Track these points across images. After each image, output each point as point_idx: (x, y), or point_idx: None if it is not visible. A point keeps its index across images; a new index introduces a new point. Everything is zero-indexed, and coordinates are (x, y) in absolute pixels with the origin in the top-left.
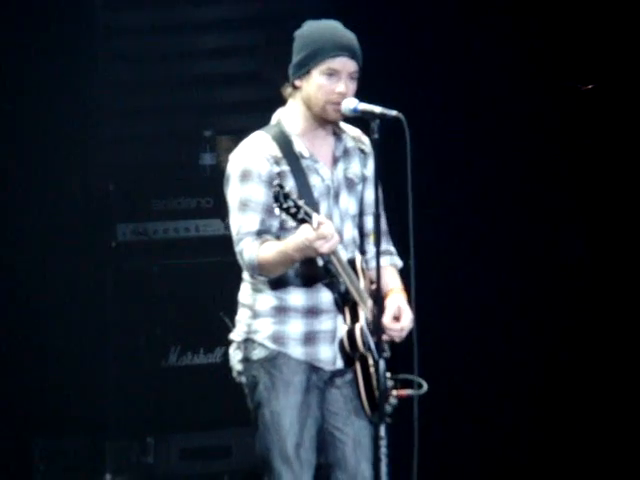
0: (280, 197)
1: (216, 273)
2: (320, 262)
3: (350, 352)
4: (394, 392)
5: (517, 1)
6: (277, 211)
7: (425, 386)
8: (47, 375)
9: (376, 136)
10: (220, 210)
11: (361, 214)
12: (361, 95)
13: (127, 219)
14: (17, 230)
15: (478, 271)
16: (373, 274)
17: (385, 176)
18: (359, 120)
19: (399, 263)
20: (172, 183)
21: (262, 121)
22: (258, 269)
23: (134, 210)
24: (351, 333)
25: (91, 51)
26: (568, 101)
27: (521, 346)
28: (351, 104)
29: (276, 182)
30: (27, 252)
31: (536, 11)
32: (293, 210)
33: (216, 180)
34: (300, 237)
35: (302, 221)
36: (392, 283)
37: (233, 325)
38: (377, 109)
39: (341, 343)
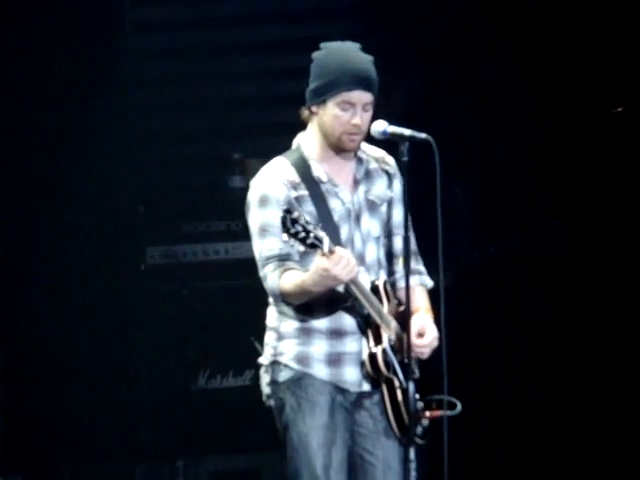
0: (287, 222)
1: (245, 296)
2: (341, 287)
3: (374, 375)
4: (427, 413)
5: (544, 23)
6: (285, 237)
7: (459, 406)
8: (79, 397)
9: (405, 159)
10: (249, 233)
11: (389, 235)
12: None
13: (156, 242)
14: (47, 253)
15: (508, 291)
16: (402, 294)
17: (414, 197)
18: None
19: (429, 283)
20: (202, 206)
21: (291, 144)
22: (280, 298)
23: (163, 233)
24: (373, 356)
25: (122, 74)
26: (596, 124)
27: (551, 364)
28: (380, 127)
29: (284, 207)
30: (57, 275)
31: (563, 34)
32: (302, 235)
33: (245, 203)
34: (317, 270)
35: (312, 246)
36: (419, 302)
37: (262, 349)
38: (406, 132)
39: (364, 366)
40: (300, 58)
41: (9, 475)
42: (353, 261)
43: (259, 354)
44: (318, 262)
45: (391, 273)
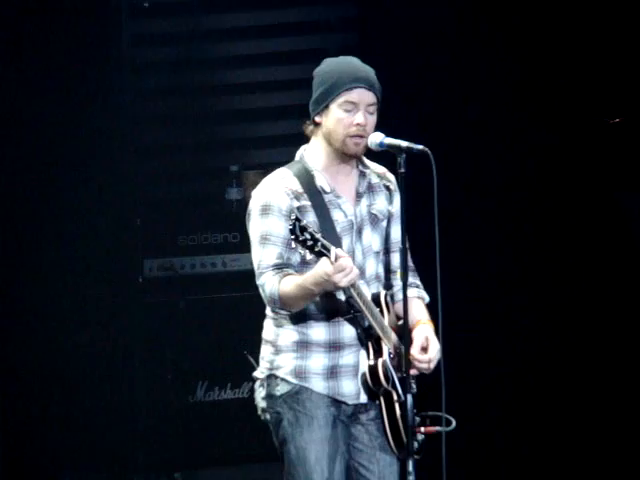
0: (296, 230)
1: (243, 308)
2: (342, 297)
3: (373, 388)
4: (422, 429)
5: (544, 32)
6: (293, 244)
7: (454, 423)
8: (76, 409)
9: (402, 170)
10: (247, 245)
11: (387, 251)
12: (386, 129)
13: (154, 254)
14: (45, 265)
15: (507, 304)
16: (399, 307)
17: (411, 213)
18: (384, 154)
19: (426, 297)
20: (199, 218)
21: (288, 156)
22: (279, 302)
23: (161, 245)
24: (373, 368)
25: (119, 85)
26: (594, 133)
27: (554, 377)
28: (377, 138)
29: (293, 215)
30: (55, 287)
31: (562, 43)
32: (310, 243)
33: (243, 215)
34: (319, 271)
35: (320, 254)
36: (419, 315)
37: (257, 364)
38: (403, 143)
39: (364, 378)
40: (298, 70)
41: None
42: (356, 271)
43: (254, 369)
44: (322, 264)
45: (389, 287)
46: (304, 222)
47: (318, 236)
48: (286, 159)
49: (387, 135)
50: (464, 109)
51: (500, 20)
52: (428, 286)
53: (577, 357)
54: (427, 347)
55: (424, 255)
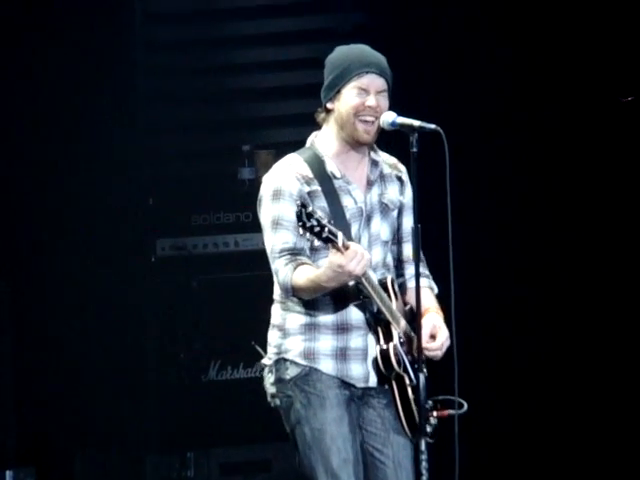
0: (303, 216)
1: (255, 287)
2: (351, 282)
3: (385, 372)
4: (434, 413)
5: (556, 15)
6: (300, 230)
7: (465, 406)
8: (89, 389)
9: (414, 149)
10: (259, 225)
11: (399, 242)
12: (398, 109)
13: (166, 234)
14: (56, 246)
15: (518, 289)
16: (409, 296)
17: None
18: (397, 133)
19: (435, 288)
20: (211, 198)
21: (300, 135)
22: (291, 292)
23: (173, 225)
24: (385, 353)
25: (131, 64)
26: (607, 113)
27: (565, 364)
28: (390, 117)
29: (298, 201)
30: (66, 268)
31: (575, 24)
32: (317, 229)
33: (255, 194)
34: (331, 266)
35: (327, 240)
36: (428, 303)
37: (265, 352)
38: (416, 122)
39: (375, 363)
40: (310, 49)
41: (22, 467)
42: (367, 255)
43: (262, 358)
44: (332, 258)
45: (399, 276)
46: (310, 208)
47: (325, 222)
48: (298, 138)
49: (399, 114)
50: (475, 92)
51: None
52: (439, 274)
53: (591, 349)
54: (436, 334)
55: (436, 244)
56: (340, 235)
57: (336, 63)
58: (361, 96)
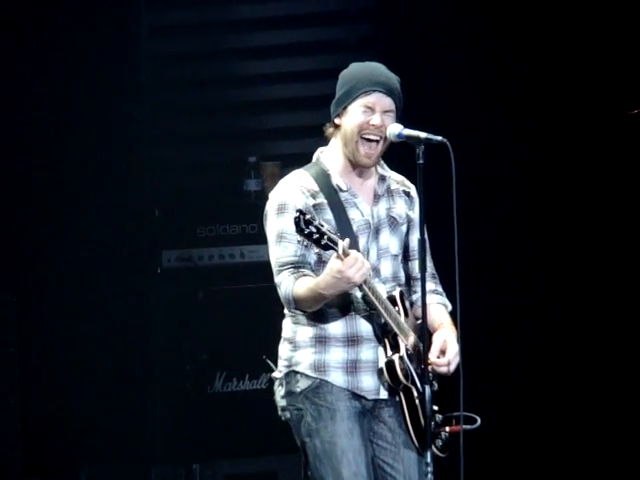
0: (301, 222)
1: (261, 299)
2: (359, 294)
3: (392, 384)
4: (446, 428)
5: (563, 27)
6: (299, 237)
7: (479, 421)
8: (95, 401)
9: (421, 162)
10: (265, 236)
11: (407, 259)
12: (405, 120)
13: (172, 245)
14: (64, 256)
15: (525, 298)
16: (420, 311)
17: (429, 211)
18: (403, 145)
19: (449, 305)
20: (217, 209)
21: (306, 147)
22: (294, 304)
23: (179, 236)
24: (391, 364)
25: (137, 76)
26: (613, 125)
27: (570, 373)
28: (396, 129)
29: (297, 209)
30: (72, 279)
31: (582, 37)
32: (316, 236)
33: (261, 206)
34: (330, 271)
35: (327, 247)
36: (442, 319)
37: (276, 366)
38: (422, 134)
39: (382, 374)
40: (316, 61)
41: (27, 479)
42: (367, 264)
43: (270, 369)
44: (331, 264)
45: (412, 293)
46: (309, 216)
47: (324, 229)
48: (304, 150)
49: (406, 126)
50: (482, 103)
51: (517, 11)
52: (446, 286)
53: (597, 360)
54: (445, 350)
55: (443, 253)
56: (341, 242)
57: (346, 79)
58: (366, 114)
